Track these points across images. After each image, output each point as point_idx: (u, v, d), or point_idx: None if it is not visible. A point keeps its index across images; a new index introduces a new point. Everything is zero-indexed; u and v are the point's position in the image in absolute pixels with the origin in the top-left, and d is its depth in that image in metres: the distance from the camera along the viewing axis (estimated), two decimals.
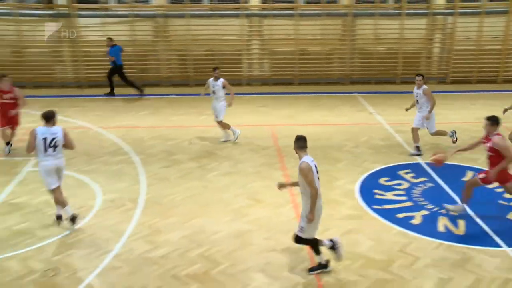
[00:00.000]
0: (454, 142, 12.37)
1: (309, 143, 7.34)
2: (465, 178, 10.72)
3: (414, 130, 12.06)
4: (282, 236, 8.43)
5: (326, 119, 15.31)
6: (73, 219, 8.64)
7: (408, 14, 19.22)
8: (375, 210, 9.39)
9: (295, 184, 7.49)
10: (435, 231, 8.63)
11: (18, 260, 7.81)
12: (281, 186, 7.90)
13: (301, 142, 7.24)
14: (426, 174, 11.03)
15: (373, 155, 12.22)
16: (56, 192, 8.66)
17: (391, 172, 11.16)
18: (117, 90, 17.94)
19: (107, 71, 18.02)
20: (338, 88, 19.04)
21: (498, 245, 8.18)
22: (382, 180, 10.69)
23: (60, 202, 8.71)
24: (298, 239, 7.34)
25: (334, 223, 8.87)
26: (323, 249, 7.41)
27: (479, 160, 11.14)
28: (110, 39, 17.50)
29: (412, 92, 12.22)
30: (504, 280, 7.27)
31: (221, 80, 12.71)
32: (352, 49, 19.65)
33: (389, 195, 9.99)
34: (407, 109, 12.64)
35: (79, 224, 8.79)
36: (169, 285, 7.20)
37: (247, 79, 19.61)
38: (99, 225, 8.88)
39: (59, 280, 7.34)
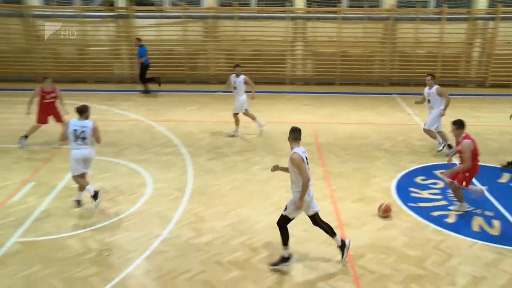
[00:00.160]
0: (437, 151, 11.89)
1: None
2: (501, 180, 10.39)
3: (426, 131, 11.96)
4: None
5: (365, 118, 15.08)
6: (95, 195, 8.96)
7: (449, 19, 18.70)
8: (411, 208, 9.20)
9: (285, 169, 7.39)
10: (469, 230, 8.38)
11: (78, 239, 8.06)
12: (275, 168, 7.66)
13: (295, 134, 7.22)
14: None
15: (410, 154, 11.96)
16: (78, 179, 9.05)
17: (427, 171, 10.89)
18: (165, 87, 18.08)
19: (159, 68, 18.27)
20: (377, 89, 18.74)
21: None
22: (418, 179, 10.46)
23: (82, 188, 9.09)
24: (280, 220, 7.24)
25: (370, 219, 8.75)
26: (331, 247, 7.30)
27: None
28: (138, 39, 17.50)
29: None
30: None
31: (242, 76, 12.89)
32: (392, 51, 19.29)
33: (425, 194, 9.76)
34: (416, 102, 12.56)
35: (132, 209, 9.00)
36: (212, 270, 7.26)
37: (291, 78, 19.54)
38: (149, 211, 9.04)
39: (112, 260, 7.53)
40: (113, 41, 19.25)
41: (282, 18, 18.93)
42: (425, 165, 11.28)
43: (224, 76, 19.14)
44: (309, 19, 19.17)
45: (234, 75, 12.96)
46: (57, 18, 18.59)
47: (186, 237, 8.17)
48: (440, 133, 11.93)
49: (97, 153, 11.60)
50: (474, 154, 8.66)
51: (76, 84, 18.67)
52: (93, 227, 8.44)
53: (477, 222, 8.64)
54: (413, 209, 9.15)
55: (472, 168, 8.71)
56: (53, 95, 12.15)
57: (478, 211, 8.98)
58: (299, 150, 7.12)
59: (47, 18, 18.58)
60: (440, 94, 11.73)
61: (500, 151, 12.14)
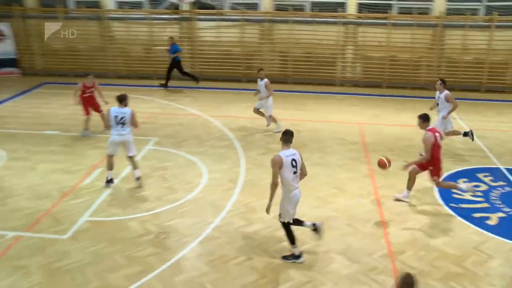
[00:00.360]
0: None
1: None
2: None
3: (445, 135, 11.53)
4: (362, 224, 8.25)
5: (410, 121, 14.59)
6: (109, 181, 9.48)
7: (498, 26, 17.87)
8: (452, 208, 8.90)
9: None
10: (511, 233, 8.02)
11: (138, 222, 8.30)
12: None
13: (286, 136, 7.04)
14: (505, 178, 10.27)
15: (454, 156, 11.55)
16: (110, 159, 9.51)
17: (470, 174, 10.50)
18: (222, 84, 18.26)
19: (217, 66, 18.42)
20: (423, 93, 18.13)
21: None
22: (460, 181, 10.06)
23: (110, 167, 9.54)
24: (282, 225, 7.21)
25: (412, 217, 8.55)
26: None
27: None
28: (171, 38, 17.80)
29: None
30: None
31: (265, 80, 12.84)
32: (439, 57, 18.63)
33: (467, 195, 9.40)
34: (431, 109, 11.95)
35: (188, 197, 9.16)
36: (259, 257, 7.31)
37: (340, 80, 19.26)
38: (204, 200, 9.18)
39: (168, 243, 7.71)
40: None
41: (334, 23, 18.67)
42: (468, 167, 10.88)
43: (277, 76, 19.18)
44: (360, 24, 18.82)
45: (260, 78, 12.99)
46: (128, 20, 19.15)
47: (236, 225, 8.25)
48: (454, 130, 11.71)
49: (158, 144, 12.00)
50: (435, 146, 8.52)
51: (142, 80, 19.16)
52: (152, 212, 8.66)
53: None
54: (455, 209, 8.85)
55: (432, 160, 8.59)
56: (92, 89, 12.55)
57: None
58: (285, 153, 6.90)
59: (120, 21, 19.20)
60: (447, 100, 11.38)
61: None
